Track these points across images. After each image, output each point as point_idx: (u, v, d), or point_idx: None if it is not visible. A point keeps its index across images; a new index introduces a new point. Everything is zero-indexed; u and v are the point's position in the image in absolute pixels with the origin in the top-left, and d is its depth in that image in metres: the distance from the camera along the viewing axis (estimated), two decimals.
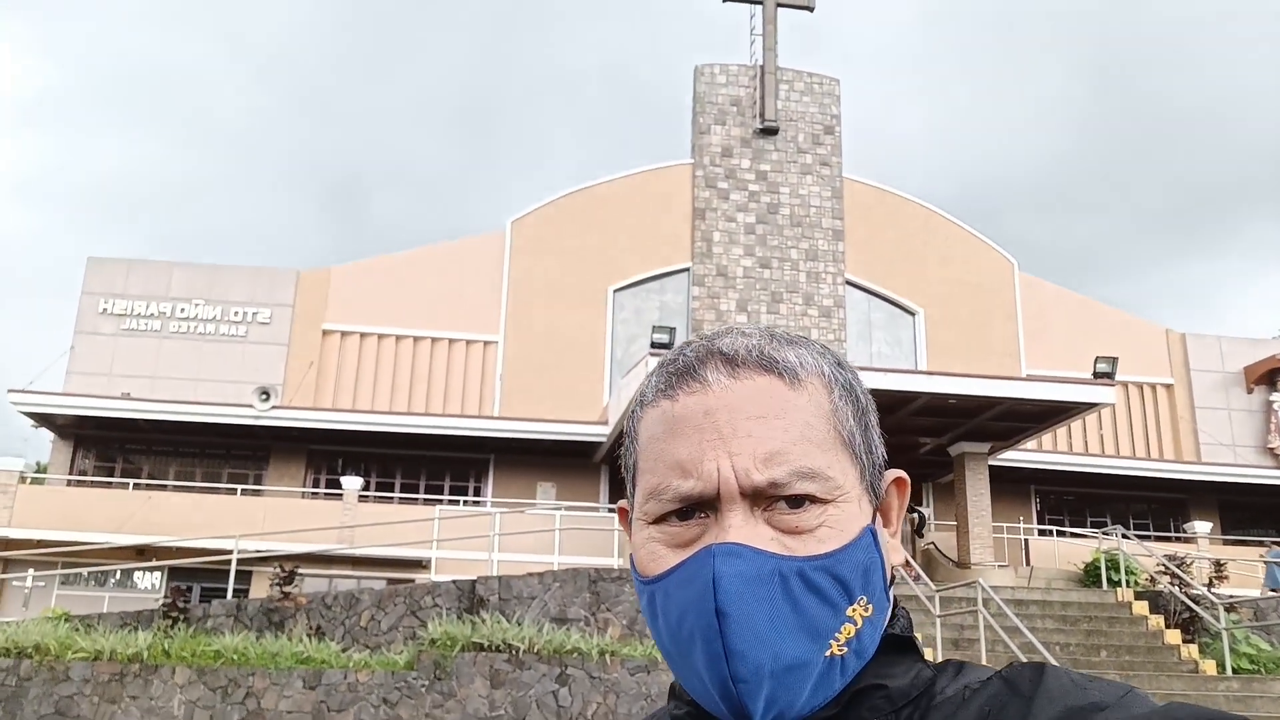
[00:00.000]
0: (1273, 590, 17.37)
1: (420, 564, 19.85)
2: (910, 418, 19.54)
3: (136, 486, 22.05)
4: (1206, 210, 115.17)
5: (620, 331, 25.06)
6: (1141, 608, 15.20)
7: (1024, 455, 22.96)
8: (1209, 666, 13.76)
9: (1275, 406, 26.29)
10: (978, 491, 20.29)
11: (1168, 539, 21.04)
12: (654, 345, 18.00)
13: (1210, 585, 16.60)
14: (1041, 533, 24.05)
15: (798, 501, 0.75)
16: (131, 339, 23.97)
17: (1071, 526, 24.16)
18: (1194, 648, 14.26)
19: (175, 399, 22.30)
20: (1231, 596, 15.88)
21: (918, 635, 0.82)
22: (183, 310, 24.24)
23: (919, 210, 26.93)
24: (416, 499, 22.59)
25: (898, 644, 0.78)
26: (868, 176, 26.99)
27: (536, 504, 22.61)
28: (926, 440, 21.24)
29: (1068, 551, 22.30)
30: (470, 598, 14.53)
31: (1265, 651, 14.48)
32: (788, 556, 0.73)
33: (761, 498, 0.74)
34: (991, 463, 20.76)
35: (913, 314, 25.93)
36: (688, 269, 25.39)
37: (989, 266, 26.75)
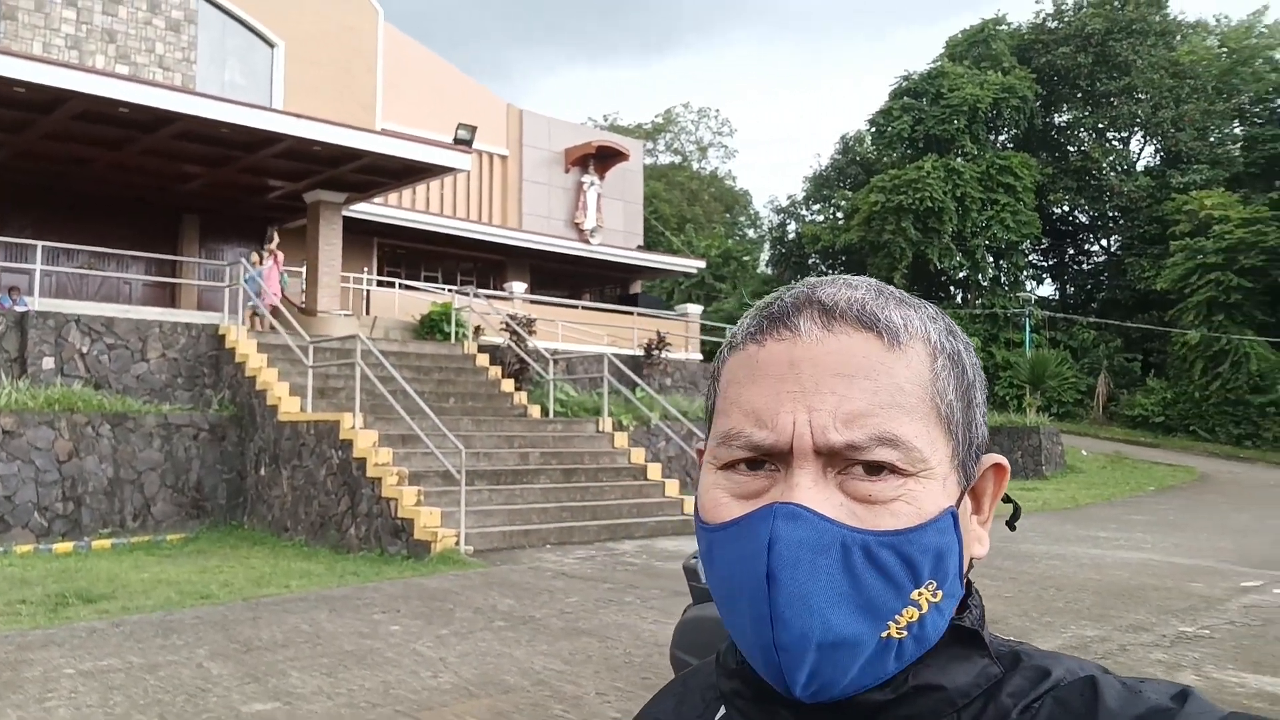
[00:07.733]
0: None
1: None
2: (269, 160, 18.58)
3: None
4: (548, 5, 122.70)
5: None
6: (483, 360, 16.82)
7: (370, 208, 23.35)
8: (535, 410, 15.86)
9: (584, 187, 30.05)
10: (330, 241, 20.24)
11: (491, 297, 23.22)
12: None
13: (524, 339, 18.90)
14: (381, 283, 24.96)
15: (876, 469, 0.70)
16: None
17: (407, 279, 25.46)
18: (524, 395, 16.29)
19: None
20: (554, 351, 18.30)
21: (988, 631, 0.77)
22: None
23: None
24: None
25: (965, 637, 0.74)
26: None
27: None
28: (281, 184, 20.42)
29: (405, 303, 23.58)
30: None
31: (573, 398, 17.12)
32: (854, 528, 0.69)
33: (837, 460, 0.70)
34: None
35: (272, 45, 24.07)
36: None
37: (354, 9, 25.73)
